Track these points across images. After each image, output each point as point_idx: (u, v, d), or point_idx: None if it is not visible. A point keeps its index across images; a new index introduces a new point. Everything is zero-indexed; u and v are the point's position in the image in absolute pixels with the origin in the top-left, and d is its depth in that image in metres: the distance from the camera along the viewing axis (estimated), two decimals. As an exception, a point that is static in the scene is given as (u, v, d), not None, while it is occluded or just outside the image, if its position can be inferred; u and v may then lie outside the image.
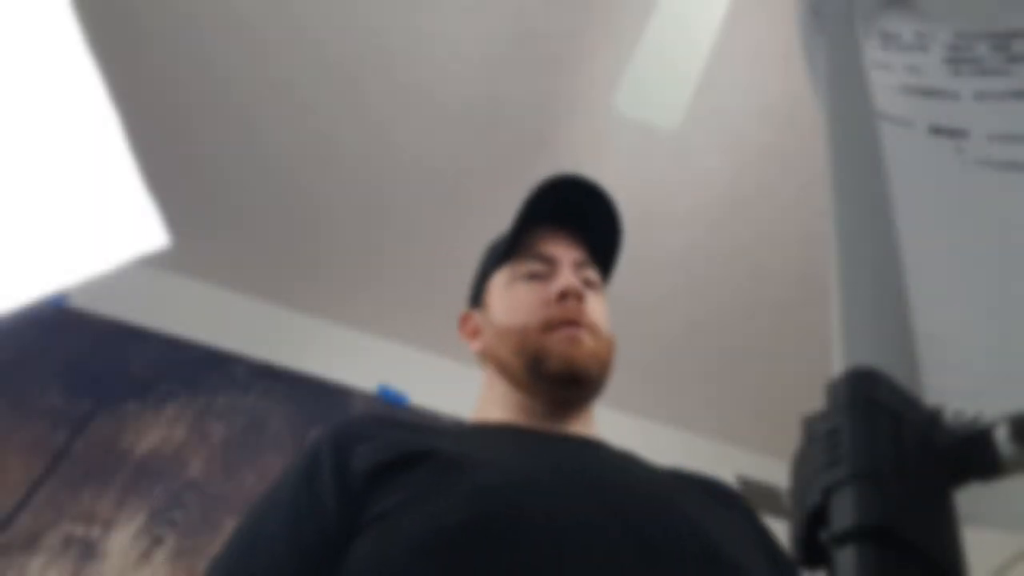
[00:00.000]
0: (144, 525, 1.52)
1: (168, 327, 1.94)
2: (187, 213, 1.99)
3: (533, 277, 0.84)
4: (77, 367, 1.74)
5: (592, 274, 0.87)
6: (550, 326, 0.79)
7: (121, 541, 1.48)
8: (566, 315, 0.79)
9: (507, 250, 0.88)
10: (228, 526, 1.58)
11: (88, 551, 1.44)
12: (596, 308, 0.83)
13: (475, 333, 0.90)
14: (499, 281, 0.88)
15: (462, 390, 2.19)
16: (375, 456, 0.65)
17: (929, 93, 0.51)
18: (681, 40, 1.43)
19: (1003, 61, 0.50)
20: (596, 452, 0.76)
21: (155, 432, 1.69)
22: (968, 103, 0.49)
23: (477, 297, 0.93)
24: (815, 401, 0.26)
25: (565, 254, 0.86)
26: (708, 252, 2.12)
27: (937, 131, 0.48)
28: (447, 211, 2.06)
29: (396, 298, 2.22)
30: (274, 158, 1.96)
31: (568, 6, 1.72)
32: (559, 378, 0.78)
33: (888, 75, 0.53)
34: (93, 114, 1.53)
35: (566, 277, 0.82)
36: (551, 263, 0.85)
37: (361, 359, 2.15)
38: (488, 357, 0.86)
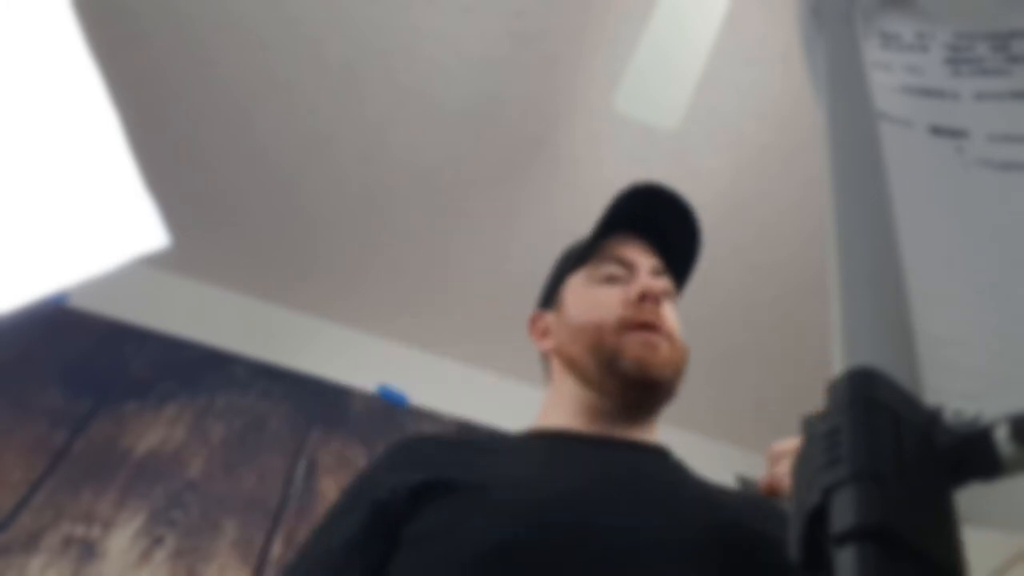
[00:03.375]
0: (144, 525, 1.52)
1: (168, 327, 1.94)
2: (187, 213, 1.99)
3: (611, 280, 0.84)
4: (77, 367, 1.74)
5: (668, 284, 0.87)
6: (626, 326, 0.79)
7: (121, 541, 1.48)
8: (643, 317, 0.79)
9: (585, 253, 0.88)
10: (228, 526, 1.58)
11: (88, 551, 1.44)
12: (671, 317, 0.84)
13: (545, 333, 0.90)
14: (575, 282, 0.88)
15: (462, 390, 2.20)
16: (417, 477, 0.65)
17: (929, 93, 0.51)
18: (681, 40, 1.43)
19: (1003, 61, 0.50)
20: (652, 461, 0.75)
21: (155, 432, 1.69)
22: (968, 103, 0.49)
23: (549, 299, 0.93)
24: (815, 401, 0.26)
25: (643, 260, 0.86)
26: (708, 251, 2.12)
27: (937, 131, 0.48)
28: (446, 210, 2.06)
29: (396, 298, 2.22)
30: (274, 158, 1.96)
31: (568, 6, 1.72)
32: (632, 381, 0.77)
33: (888, 75, 0.53)
34: (93, 114, 1.53)
35: (645, 280, 0.82)
36: (629, 267, 0.85)
37: (361, 359, 2.15)
38: (559, 356, 0.86)
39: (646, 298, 0.80)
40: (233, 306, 2.14)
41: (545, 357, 0.91)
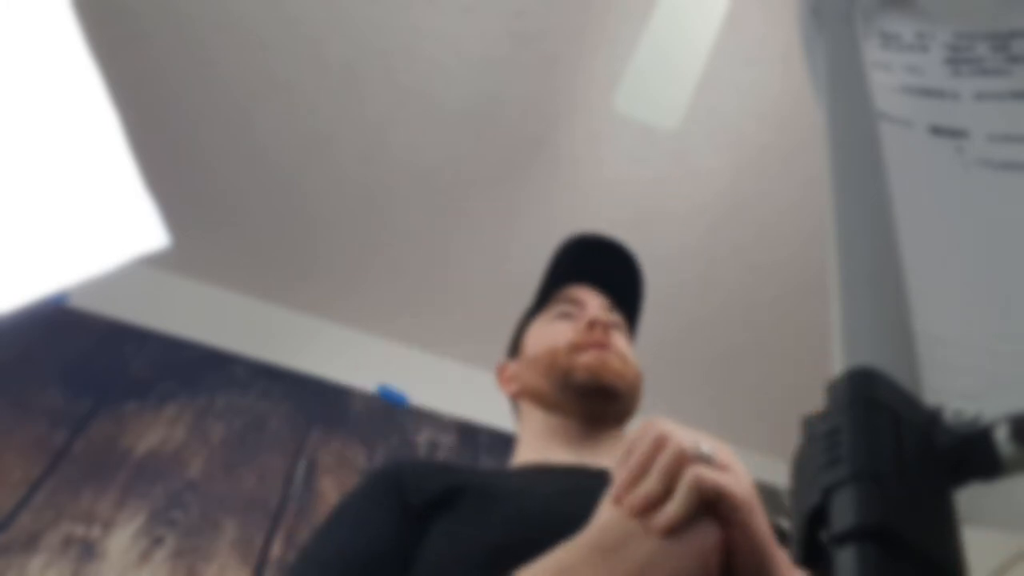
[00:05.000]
0: (144, 525, 1.52)
1: (168, 327, 1.94)
2: (187, 213, 1.99)
3: (564, 316, 0.90)
4: (77, 367, 1.74)
5: (618, 318, 0.93)
6: (577, 348, 0.83)
7: (121, 541, 1.48)
8: (594, 339, 0.84)
9: (539, 302, 0.94)
10: (228, 526, 1.58)
11: (88, 551, 1.44)
12: (623, 343, 0.88)
13: (510, 380, 0.94)
14: (533, 327, 0.93)
15: (462, 390, 2.20)
16: (423, 495, 0.67)
17: (929, 93, 0.51)
18: (681, 40, 1.43)
19: (1003, 61, 0.50)
20: None
21: (155, 432, 1.69)
22: (968, 103, 0.49)
23: (514, 349, 0.98)
24: (815, 401, 0.26)
25: (592, 298, 0.92)
26: (708, 251, 2.12)
27: (937, 131, 0.48)
28: (446, 210, 2.06)
29: (396, 298, 2.22)
30: (274, 158, 1.96)
31: (568, 6, 1.72)
32: (587, 389, 0.81)
33: (888, 75, 0.53)
34: (93, 114, 1.53)
35: (594, 310, 0.88)
36: (580, 305, 0.91)
37: (361, 359, 2.15)
38: (523, 393, 0.90)
39: (595, 324, 0.85)
40: (233, 306, 2.14)
41: (513, 401, 0.95)
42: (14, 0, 1.33)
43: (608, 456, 0.82)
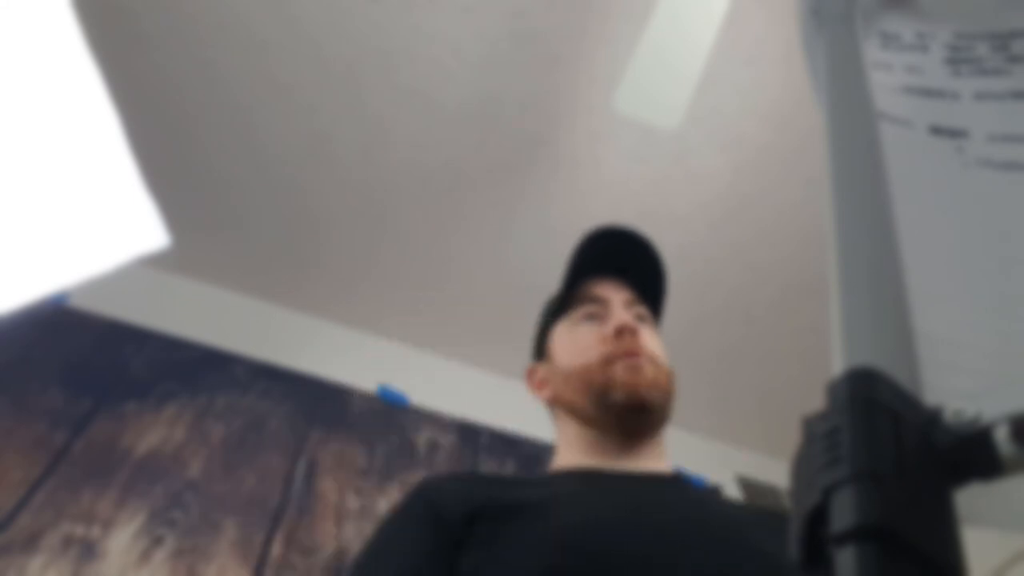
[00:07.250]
0: (144, 525, 1.52)
1: (168, 327, 1.94)
2: (187, 213, 1.99)
3: (590, 318, 0.90)
4: (77, 367, 1.74)
5: (643, 310, 0.93)
6: (610, 360, 0.83)
7: (121, 541, 1.48)
8: (624, 348, 0.84)
9: (562, 302, 0.94)
10: (228, 526, 1.58)
11: (88, 551, 1.44)
12: (651, 340, 0.88)
13: (542, 384, 0.95)
14: (559, 330, 0.93)
15: (462, 390, 2.20)
16: (463, 509, 0.68)
17: (929, 93, 0.51)
18: (681, 40, 1.43)
19: (1003, 61, 0.50)
20: (671, 489, 0.78)
21: (155, 432, 1.69)
22: (968, 103, 0.49)
23: (540, 351, 0.98)
24: (815, 401, 0.26)
25: (615, 294, 0.91)
26: (708, 251, 2.12)
27: (937, 131, 0.48)
28: (447, 210, 2.06)
29: (396, 298, 2.22)
30: (274, 158, 1.96)
31: (568, 6, 1.72)
32: (625, 407, 0.81)
33: (888, 75, 0.53)
34: (93, 114, 1.53)
35: (619, 315, 0.88)
36: (603, 303, 0.90)
37: (361, 359, 2.15)
38: (558, 402, 0.91)
39: (623, 332, 0.85)
40: (233, 306, 2.14)
41: (547, 406, 0.95)
42: (14, 0, 1.33)
43: (649, 459, 0.83)
